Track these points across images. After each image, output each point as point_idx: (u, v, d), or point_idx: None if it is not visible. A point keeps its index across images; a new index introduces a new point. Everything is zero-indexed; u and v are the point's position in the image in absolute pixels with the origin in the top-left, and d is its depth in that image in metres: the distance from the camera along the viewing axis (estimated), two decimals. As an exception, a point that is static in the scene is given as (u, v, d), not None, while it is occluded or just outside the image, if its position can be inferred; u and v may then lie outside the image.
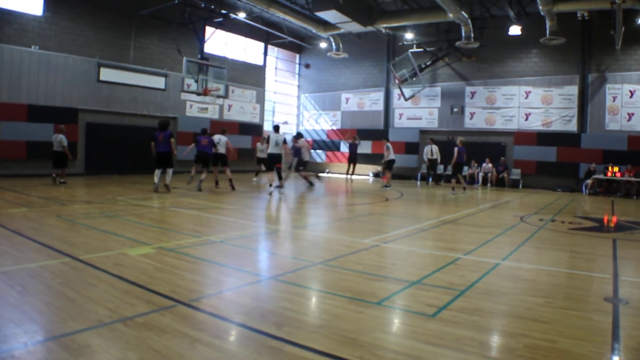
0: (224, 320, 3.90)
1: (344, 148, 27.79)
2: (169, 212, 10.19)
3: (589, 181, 19.68)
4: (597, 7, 17.88)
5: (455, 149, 16.86)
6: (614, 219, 11.94)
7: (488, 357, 3.33)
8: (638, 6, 16.75)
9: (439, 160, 22.01)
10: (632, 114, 19.95)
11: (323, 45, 27.17)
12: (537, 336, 3.67)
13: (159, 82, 21.90)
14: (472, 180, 22.66)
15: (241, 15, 22.83)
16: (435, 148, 21.82)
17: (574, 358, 3.31)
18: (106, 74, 19.87)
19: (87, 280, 4.77)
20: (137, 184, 15.92)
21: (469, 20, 20.29)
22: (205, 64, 20.12)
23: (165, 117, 21.37)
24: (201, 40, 21.50)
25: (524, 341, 3.58)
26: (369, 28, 22.81)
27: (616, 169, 19.22)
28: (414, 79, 23.38)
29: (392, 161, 19.01)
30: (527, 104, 22.35)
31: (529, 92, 22.28)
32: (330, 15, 19.87)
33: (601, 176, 19.56)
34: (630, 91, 19.94)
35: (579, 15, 19.31)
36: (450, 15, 19.49)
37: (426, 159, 22.38)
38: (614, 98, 20.34)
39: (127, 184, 15.81)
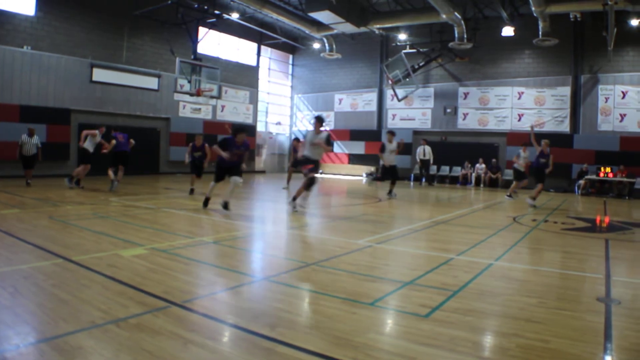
0: (217, 321, 3.89)
1: (337, 149, 27.83)
2: (161, 213, 10.15)
3: (581, 182, 19.79)
4: (589, 8, 17.99)
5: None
6: (607, 219, 12.00)
7: (481, 358, 3.33)
8: (630, 7, 16.87)
9: (431, 161, 22.13)
10: (624, 115, 20.08)
11: (316, 45, 27.17)
12: (530, 336, 3.68)
13: (151, 82, 21.83)
14: (465, 181, 22.76)
15: (234, 16, 22.80)
16: (427, 149, 21.95)
17: (567, 358, 3.32)
18: (99, 75, 19.80)
19: (80, 281, 4.74)
20: (129, 185, 15.85)
21: (462, 21, 20.35)
22: (198, 65, 20.10)
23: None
24: (194, 41, 21.47)
25: (517, 341, 3.59)
26: (362, 29, 22.83)
27: (608, 169, 19.35)
28: (407, 79, 23.48)
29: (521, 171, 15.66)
30: (520, 104, 22.45)
31: (522, 93, 22.38)
32: (323, 15, 19.87)
33: (593, 177, 19.68)
34: (622, 92, 20.07)
35: (571, 16, 19.42)
36: (443, 16, 19.55)
37: (418, 160, 22.48)
38: (606, 99, 20.47)
39: (120, 185, 15.71)
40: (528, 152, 15.54)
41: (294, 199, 10.58)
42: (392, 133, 15.64)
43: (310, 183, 10.50)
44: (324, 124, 11.06)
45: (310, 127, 29.05)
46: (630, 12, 17.79)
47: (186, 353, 3.21)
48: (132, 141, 14.37)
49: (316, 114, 15.22)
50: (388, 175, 15.49)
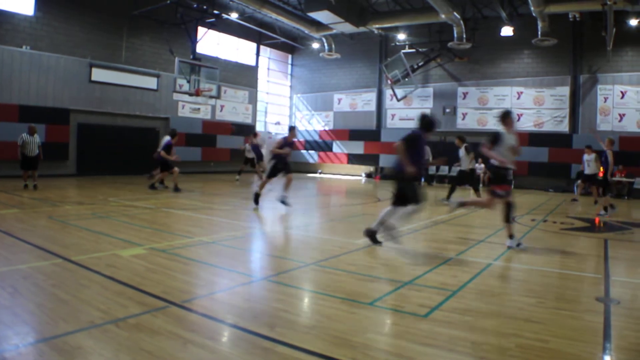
0: (216, 321, 3.89)
1: (337, 148, 27.81)
2: (160, 213, 10.14)
3: (580, 182, 19.76)
4: (588, 8, 17.98)
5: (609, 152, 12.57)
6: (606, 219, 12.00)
7: (480, 357, 3.33)
8: (629, 7, 16.87)
9: (429, 161, 22.12)
10: (623, 115, 20.08)
11: (315, 45, 27.13)
12: (529, 336, 3.69)
13: (151, 82, 21.80)
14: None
15: (233, 16, 22.77)
16: (426, 149, 21.91)
17: (566, 358, 3.32)
18: (98, 75, 19.76)
19: (79, 281, 4.74)
20: (129, 184, 15.85)
21: (461, 21, 20.35)
22: (198, 65, 20.07)
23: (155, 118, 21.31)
24: (193, 41, 21.44)
25: (516, 341, 3.59)
26: (362, 29, 22.82)
27: (607, 169, 19.31)
28: (406, 79, 23.44)
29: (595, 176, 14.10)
30: (519, 104, 22.44)
31: (521, 92, 22.38)
32: (322, 15, 19.86)
33: (592, 177, 19.64)
34: (622, 92, 20.07)
35: (570, 16, 19.40)
36: (443, 16, 19.55)
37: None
38: (605, 99, 20.47)
39: (119, 185, 15.73)
40: (594, 154, 14.09)
41: (511, 236, 7.33)
42: (461, 139, 14.38)
43: (509, 210, 7.34)
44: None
45: (310, 127, 29.42)
46: (629, 12, 17.79)
47: (185, 353, 3.21)
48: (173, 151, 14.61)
49: (503, 109, 11.59)
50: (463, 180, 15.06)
